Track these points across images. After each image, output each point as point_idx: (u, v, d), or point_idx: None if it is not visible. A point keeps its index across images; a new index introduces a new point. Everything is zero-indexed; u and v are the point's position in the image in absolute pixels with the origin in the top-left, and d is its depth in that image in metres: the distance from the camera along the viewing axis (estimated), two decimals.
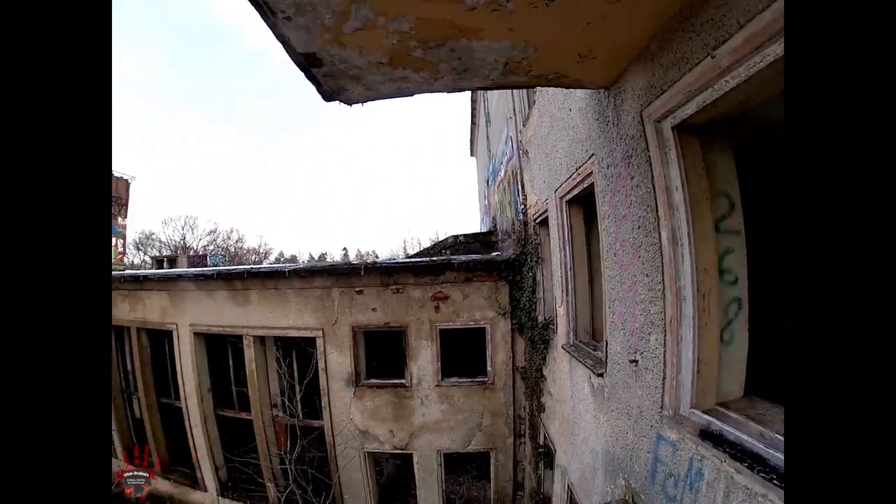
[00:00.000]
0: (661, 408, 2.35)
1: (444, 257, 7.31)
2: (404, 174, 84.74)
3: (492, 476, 7.18)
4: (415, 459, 7.23)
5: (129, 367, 10.23)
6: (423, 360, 6.98)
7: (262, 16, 1.70)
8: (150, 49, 67.74)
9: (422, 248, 13.77)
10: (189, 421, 8.79)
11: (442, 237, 12.30)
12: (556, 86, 2.68)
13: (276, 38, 1.86)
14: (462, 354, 7.29)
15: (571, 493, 4.36)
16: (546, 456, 5.73)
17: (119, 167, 21.87)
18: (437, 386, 6.97)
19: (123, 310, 9.46)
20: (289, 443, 7.78)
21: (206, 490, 8.91)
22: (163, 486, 9.65)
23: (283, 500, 7.54)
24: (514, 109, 6.50)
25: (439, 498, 7.23)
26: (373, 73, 2.50)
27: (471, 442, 7.00)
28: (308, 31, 1.85)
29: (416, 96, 2.88)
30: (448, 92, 3.02)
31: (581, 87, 2.84)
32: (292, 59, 2.13)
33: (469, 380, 7.00)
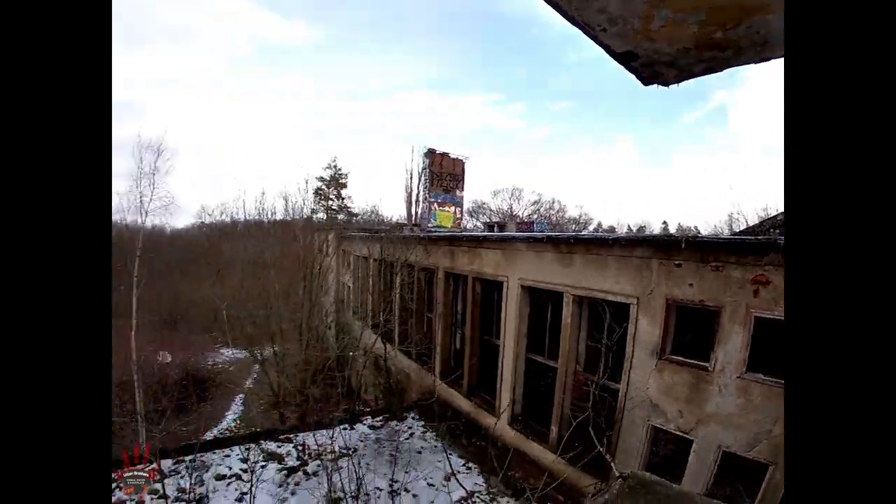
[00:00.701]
0: None
1: (769, 237, 6.45)
2: (734, 144, 69.80)
3: (759, 494, 6.08)
4: (693, 447, 6.94)
5: (458, 307, 13.13)
6: (732, 346, 6.47)
7: (583, 31, 2.54)
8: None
9: (748, 226, 11.98)
10: (502, 358, 10.63)
11: (773, 214, 10.47)
12: None
13: (598, 45, 2.70)
14: (765, 348, 6.37)
15: None
16: None
17: (456, 150, 26.18)
18: (739, 377, 6.40)
19: (464, 262, 12.09)
20: (586, 389, 8.51)
21: (498, 418, 10.42)
22: (463, 404, 11.97)
23: (562, 444, 8.37)
24: None
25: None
26: (682, 58, 3.09)
27: (754, 448, 6.19)
28: (621, 36, 2.67)
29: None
30: (755, 63, 3.24)
31: None
32: (612, 58, 2.91)
33: (773, 380, 6.13)
